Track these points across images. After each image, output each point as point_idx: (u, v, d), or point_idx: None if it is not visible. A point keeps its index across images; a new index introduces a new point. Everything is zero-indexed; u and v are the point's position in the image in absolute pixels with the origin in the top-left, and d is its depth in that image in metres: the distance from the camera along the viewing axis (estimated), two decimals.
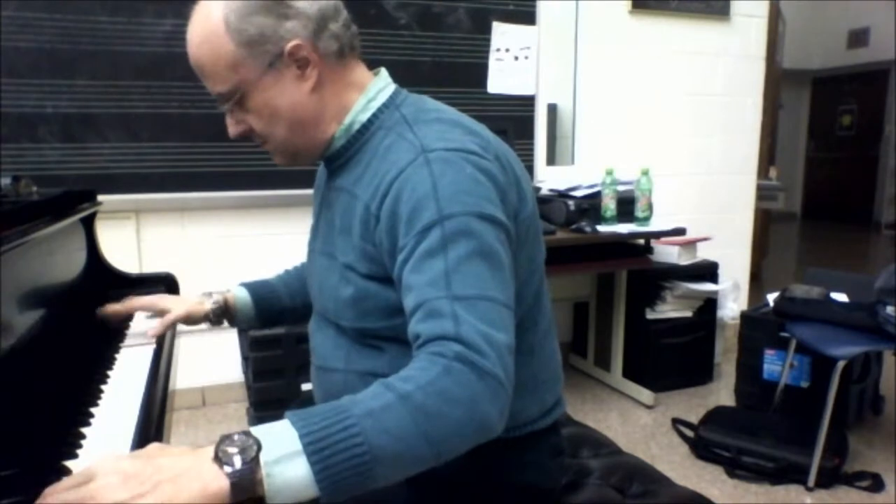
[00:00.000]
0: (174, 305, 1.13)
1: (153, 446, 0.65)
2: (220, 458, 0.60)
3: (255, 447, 0.61)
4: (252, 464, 0.60)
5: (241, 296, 1.18)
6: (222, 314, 1.16)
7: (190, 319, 1.13)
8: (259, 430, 0.63)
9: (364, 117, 0.91)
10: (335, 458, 0.62)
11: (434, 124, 0.86)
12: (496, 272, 0.76)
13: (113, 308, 1.15)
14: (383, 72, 0.96)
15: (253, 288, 1.20)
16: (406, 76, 2.60)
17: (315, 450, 0.62)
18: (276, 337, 2.30)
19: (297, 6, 0.86)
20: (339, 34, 0.89)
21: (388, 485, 0.69)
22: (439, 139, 0.82)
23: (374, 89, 0.92)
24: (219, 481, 0.59)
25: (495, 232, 0.78)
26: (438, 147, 0.81)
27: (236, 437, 0.62)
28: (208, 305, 1.14)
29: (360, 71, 0.94)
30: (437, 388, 0.68)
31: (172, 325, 1.13)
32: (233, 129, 0.92)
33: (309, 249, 1.06)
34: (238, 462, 0.60)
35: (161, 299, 1.16)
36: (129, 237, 2.43)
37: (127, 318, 1.22)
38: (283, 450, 0.61)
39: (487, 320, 0.73)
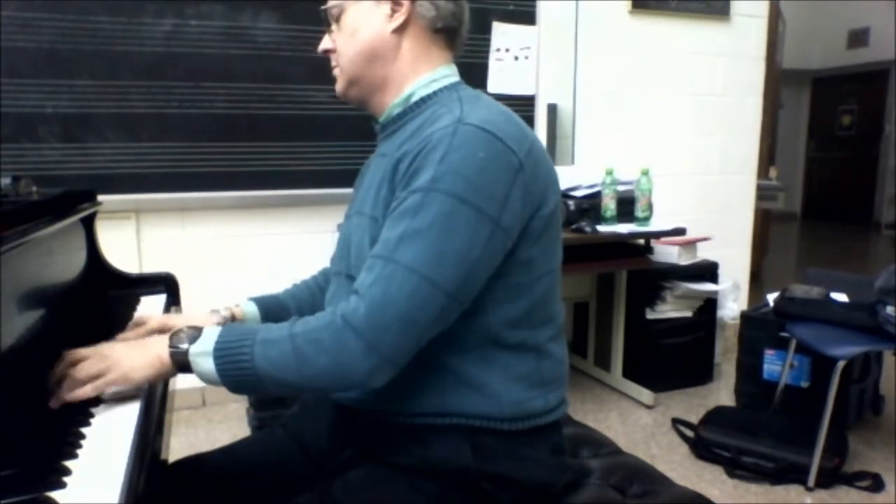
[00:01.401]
0: (178, 323, 1.10)
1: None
2: (172, 339, 0.87)
3: (195, 337, 0.86)
4: (185, 350, 0.85)
5: (250, 310, 1.18)
6: None
7: None
8: (207, 328, 0.87)
9: (425, 92, 0.98)
10: (230, 365, 0.83)
11: (483, 107, 0.91)
12: (448, 255, 0.81)
13: (124, 337, 1.09)
14: (454, 66, 1.04)
15: (262, 302, 1.20)
16: None
17: (218, 356, 0.83)
18: None
19: None
20: (440, 7, 0.98)
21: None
22: (479, 117, 0.87)
23: (441, 74, 1.00)
24: (165, 353, 0.86)
25: (472, 220, 0.82)
26: (472, 122, 0.86)
27: (189, 329, 0.87)
28: (215, 320, 1.13)
29: (439, 53, 1.01)
30: (314, 337, 0.81)
31: None
32: (322, 43, 1.03)
33: (345, 217, 1.10)
34: (179, 345, 0.86)
35: (169, 318, 1.13)
36: (129, 237, 2.43)
37: (128, 317, 1.22)
38: (203, 348, 0.84)
39: (404, 291, 0.80)
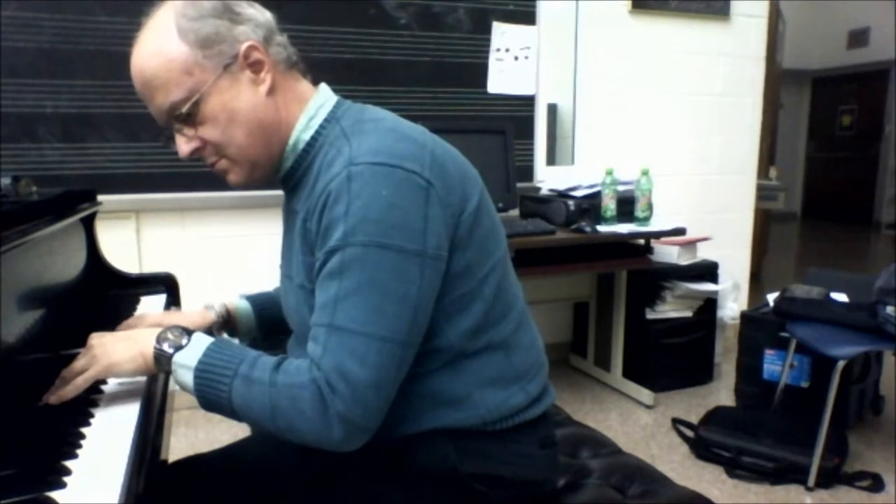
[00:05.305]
0: (179, 321, 1.12)
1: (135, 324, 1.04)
2: (158, 337, 0.86)
3: (181, 344, 0.84)
4: (170, 356, 0.84)
5: (243, 306, 1.19)
6: (224, 325, 1.16)
7: None
8: (194, 336, 0.86)
9: (307, 136, 0.92)
10: (207, 388, 0.82)
11: (369, 134, 0.85)
12: (386, 305, 0.78)
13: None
14: (322, 87, 0.96)
15: (254, 299, 1.20)
16: (406, 76, 2.61)
17: (198, 375, 0.82)
18: (277, 339, 2.30)
19: (247, 13, 0.89)
20: (285, 45, 0.92)
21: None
22: (368, 151, 0.82)
23: (314, 106, 0.93)
24: (149, 350, 0.86)
25: (398, 262, 0.78)
26: (364, 161, 0.80)
27: (178, 332, 0.86)
28: (211, 316, 1.14)
29: (305, 85, 0.96)
30: (292, 394, 0.79)
31: None
32: (185, 146, 0.89)
33: (280, 270, 1.07)
34: (164, 348, 0.85)
35: (166, 317, 1.14)
36: (129, 237, 2.43)
37: (129, 316, 1.22)
38: (186, 360, 0.83)
39: (356, 356, 0.77)
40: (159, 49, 0.84)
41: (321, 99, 0.94)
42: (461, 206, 0.85)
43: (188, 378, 0.82)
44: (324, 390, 0.77)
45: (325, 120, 0.92)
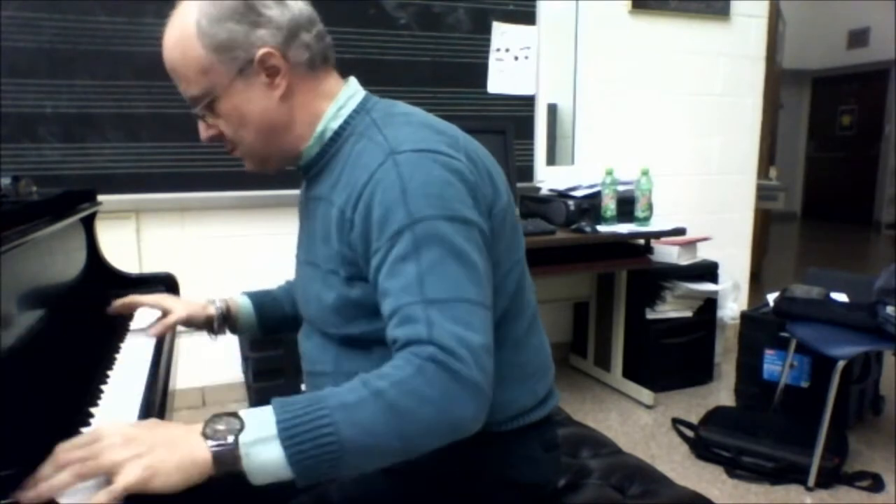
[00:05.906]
0: (176, 306, 1.14)
1: (151, 420, 0.76)
2: (206, 434, 0.68)
3: (237, 427, 0.68)
4: (233, 443, 0.67)
5: (244, 303, 1.19)
6: (224, 321, 1.16)
7: (191, 322, 1.14)
8: (246, 413, 0.70)
9: (335, 124, 0.92)
10: (306, 445, 0.67)
11: (403, 126, 0.87)
12: (470, 273, 0.78)
13: (118, 304, 1.16)
14: (352, 80, 0.97)
15: (255, 296, 1.21)
16: (406, 76, 2.61)
17: (288, 436, 0.67)
18: (277, 337, 2.30)
19: (269, 14, 0.87)
20: (310, 44, 0.90)
21: (365, 473, 0.77)
22: (407, 140, 0.83)
23: (343, 97, 0.94)
24: (203, 453, 0.67)
25: (467, 232, 0.79)
26: (407, 148, 0.82)
27: (224, 416, 0.69)
28: (211, 310, 1.15)
29: (333, 81, 0.95)
30: (410, 387, 0.71)
31: (173, 327, 1.14)
32: (204, 132, 0.93)
33: (296, 261, 1.07)
34: (221, 439, 0.67)
35: (164, 299, 1.17)
36: (129, 237, 2.43)
37: (128, 317, 1.23)
38: (260, 433, 0.67)
39: (462, 322, 0.75)
40: (180, 44, 0.87)
41: (350, 90, 0.95)
42: (492, 200, 0.87)
43: (272, 450, 0.67)
44: (448, 362, 0.72)
45: (355, 110, 0.93)
